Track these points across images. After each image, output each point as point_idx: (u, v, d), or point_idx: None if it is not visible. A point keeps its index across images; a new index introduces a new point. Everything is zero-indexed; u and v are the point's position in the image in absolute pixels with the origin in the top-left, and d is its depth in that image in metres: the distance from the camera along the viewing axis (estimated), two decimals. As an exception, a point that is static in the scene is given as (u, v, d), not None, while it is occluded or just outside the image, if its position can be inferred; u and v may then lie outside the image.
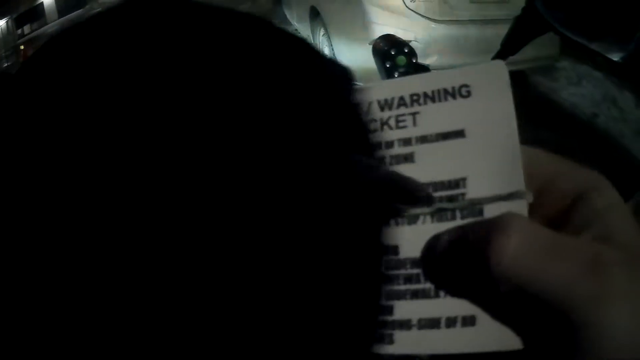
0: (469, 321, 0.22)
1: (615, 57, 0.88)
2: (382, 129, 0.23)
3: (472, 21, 2.82)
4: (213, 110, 0.19)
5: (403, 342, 0.22)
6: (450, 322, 0.22)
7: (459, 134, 0.23)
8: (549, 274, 0.19)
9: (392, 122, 0.24)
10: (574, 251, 0.19)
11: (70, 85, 0.19)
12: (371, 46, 2.70)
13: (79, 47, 0.20)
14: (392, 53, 1.08)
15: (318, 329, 0.20)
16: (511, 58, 1.81)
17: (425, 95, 0.24)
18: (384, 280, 0.22)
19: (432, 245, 0.20)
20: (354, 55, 2.94)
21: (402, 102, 0.24)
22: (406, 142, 0.23)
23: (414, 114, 0.23)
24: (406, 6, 2.76)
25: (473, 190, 0.22)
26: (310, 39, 3.85)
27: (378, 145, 0.22)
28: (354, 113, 0.22)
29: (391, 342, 0.22)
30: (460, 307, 0.21)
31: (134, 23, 0.21)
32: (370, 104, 0.24)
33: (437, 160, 0.23)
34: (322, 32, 3.41)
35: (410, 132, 0.23)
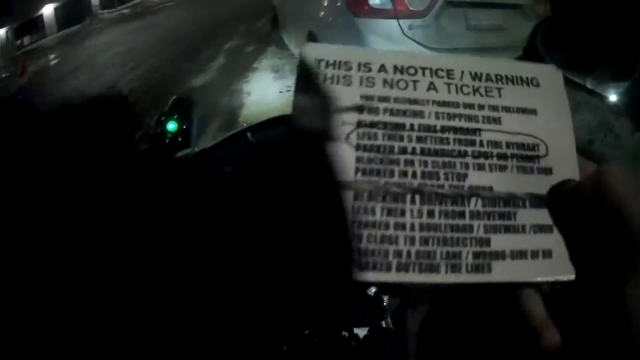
0: (547, 254, 0.27)
1: (611, 94, 0.90)
2: (474, 94, 0.29)
3: (469, 49, 2.82)
4: None
5: (499, 271, 0.26)
6: (534, 254, 0.27)
7: (533, 111, 0.29)
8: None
9: (482, 90, 0.30)
10: None
11: None
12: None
13: None
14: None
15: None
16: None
17: (507, 77, 0.30)
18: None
19: (562, 185, 0.28)
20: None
21: (489, 77, 0.30)
22: (494, 108, 0.29)
23: (499, 89, 0.30)
24: (404, 34, 2.77)
25: (543, 154, 0.28)
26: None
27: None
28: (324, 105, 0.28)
29: (489, 271, 0.26)
30: (540, 241, 0.27)
31: None
32: (462, 72, 0.30)
33: (518, 127, 0.29)
34: (320, 57, 3.41)
35: (497, 101, 0.29)
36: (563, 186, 0.28)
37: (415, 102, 0.28)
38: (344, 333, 0.81)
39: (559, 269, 0.27)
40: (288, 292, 0.19)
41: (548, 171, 0.28)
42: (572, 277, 0.26)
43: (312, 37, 3.51)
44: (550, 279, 0.27)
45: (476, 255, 0.26)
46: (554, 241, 0.27)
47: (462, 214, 0.27)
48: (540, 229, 0.27)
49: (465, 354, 0.31)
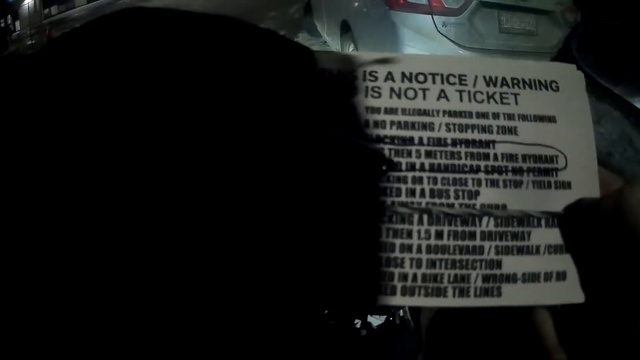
0: (561, 276, 0.25)
1: (638, 102, 0.91)
2: (488, 102, 0.27)
3: (499, 51, 2.83)
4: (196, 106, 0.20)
5: (509, 295, 0.25)
6: (548, 277, 0.25)
7: (551, 119, 0.27)
8: None
9: (497, 97, 0.28)
10: None
11: (72, 86, 0.20)
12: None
13: (81, 51, 0.22)
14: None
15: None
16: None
17: (524, 81, 0.28)
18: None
19: (581, 201, 0.26)
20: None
21: (504, 82, 0.28)
22: (510, 116, 0.27)
23: (515, 95, 0.28)
24: (438, 30, 2.78)
25: (562, 167, 0.27)
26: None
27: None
28: (350, 109, 0.26)
29: (499, 295, 0.25)
30: (555, 263, 0.26)
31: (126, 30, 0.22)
32: (476, 77, 0.28)
33: (536, 137, 0.27)
34: (351, 47, 3.41)
35: (513, 109, 0.27)
36: (581, 203, 0.26)
37: (424, 113, 0.27)
38: (356, 321, 0.81)
39: (572, 292, 0.25)
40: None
41: (566, 185, 0.26)
42: (582, 300, 0.25)
43: (345, 26, 3.51)
44: (562, 302, 0.25)
45: (486, 278, 0.25)
46: (569, 263, 0.26)
47: (472, 235, 0.25)
48: (556, 249, 0.26)
49: (475, 351, 0.30)
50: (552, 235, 0.26)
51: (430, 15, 2.80)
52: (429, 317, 0.32)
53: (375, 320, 0.84)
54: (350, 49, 3.44)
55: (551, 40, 2.82)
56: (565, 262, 0.26)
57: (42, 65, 0.21)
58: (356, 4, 3.32)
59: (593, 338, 0.25)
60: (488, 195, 0.26)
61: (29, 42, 9.37)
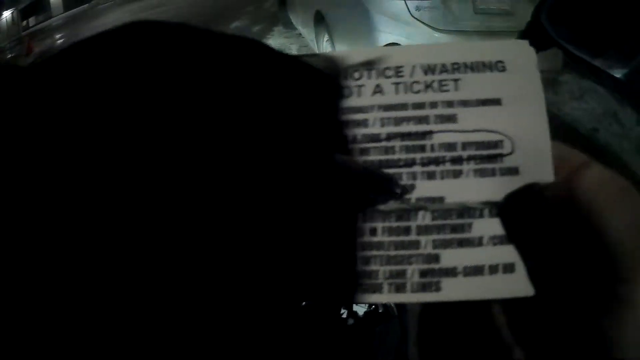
0: (509, 268, 0.24)
1: (618, 73, 0.87)
2: (425, 91, 0.26)
3: (476, 32, 2.82)
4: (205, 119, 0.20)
5: (449, 289, 0.24)
6: (493, 269, 0.24)
7: (496, 102, 0.26)
8: (617, 210, 0.20)
9: (435, 85, 0.26)
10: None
11: (76, 94, 0.19)
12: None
13: (85, 63, 0.21)
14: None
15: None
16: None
17: (466, 65, 0.27)
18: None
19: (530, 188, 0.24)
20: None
21: (444, 68, 0.27)
22: (449, 104, 0.26)
23: (455, 81, 0.26)
24: (411, 15, 2.77)
25: (508, 151, 0.25)
26: (314, 44, 3.86)
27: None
28: (334, 115, 0.25)
29: (438, 289, 0.24)
30: (501, 255, 0.24)
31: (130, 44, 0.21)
32: (413, 67, 0.27)
33: (477, 123, 0.26)
34: (326, 37, 3.42)
35: (452, 95, 0.26)
36: (526, 189, 0.24)
37: (359, 110, 0.26)
38: (342, 311, 0.81)
39: (521, 285, 0.24)
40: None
41: (513, 171, 0.25)
42: (532, 293, 0.24)
43: (319, 17, 3.49)
44: (509, 295, 0.24)
45: (423, 273, 0.24)
46: (518, 254, 0.24)
47: (407, 230, 0.25)
48: (502, 240, 0.24)
49: (465, 342, 0.29)
50: (497, 226, 0.25)
51: (404, 0, 2.79)
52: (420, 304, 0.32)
53: (361, 309, 0.82)
54: (325, 39, 3.44)
55: (529, 19, 2.80)
56: (513, 254, 0.24)
57: (41, 80, 0.20)
58: (329, -8, 3.31)
59: (551, 334, 0.24)
60: (424, 189, 0.25)
61: (10, 55, 9.40)
